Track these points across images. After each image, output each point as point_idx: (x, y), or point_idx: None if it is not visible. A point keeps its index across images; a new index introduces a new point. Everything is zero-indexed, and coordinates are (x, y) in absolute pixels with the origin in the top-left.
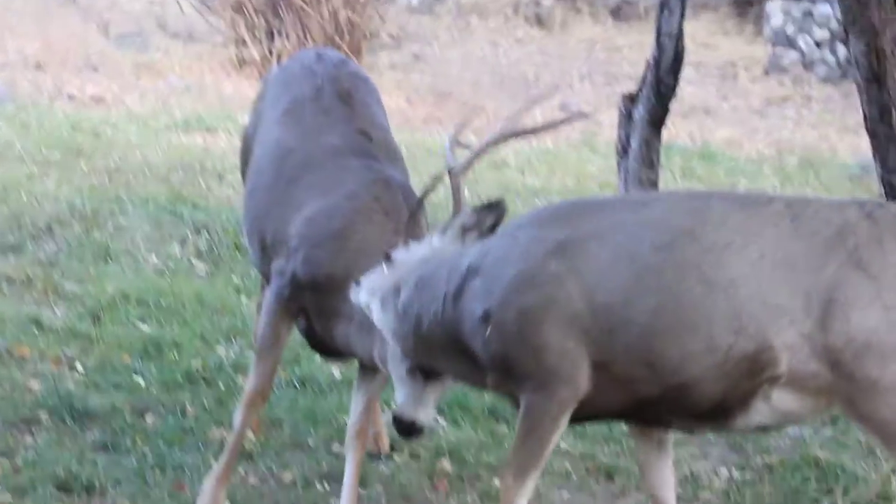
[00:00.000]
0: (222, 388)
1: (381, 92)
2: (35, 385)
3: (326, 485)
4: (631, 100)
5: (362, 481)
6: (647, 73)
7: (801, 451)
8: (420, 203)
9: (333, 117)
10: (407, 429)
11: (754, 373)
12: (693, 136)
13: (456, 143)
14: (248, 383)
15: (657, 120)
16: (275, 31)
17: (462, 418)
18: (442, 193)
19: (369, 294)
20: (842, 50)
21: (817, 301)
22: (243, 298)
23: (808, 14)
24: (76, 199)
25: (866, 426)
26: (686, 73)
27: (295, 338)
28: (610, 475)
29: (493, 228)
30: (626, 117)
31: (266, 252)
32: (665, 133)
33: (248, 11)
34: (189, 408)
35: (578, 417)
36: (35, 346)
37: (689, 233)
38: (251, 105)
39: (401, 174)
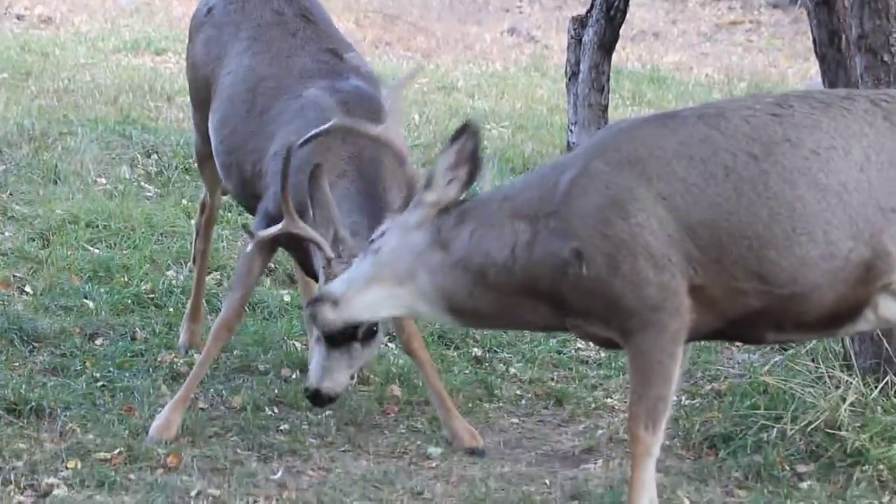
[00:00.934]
0: (172, 311)
1: (330, 14)
2: None
3: (276, 409)
4: (581, 23)
5: (310, 406)
6: None
7: (750, 378)
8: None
9: (301, 38)
10: (314, 398)
11: (869, 280)
12: (643, 60)
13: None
14: (221, 314)
15: (607, 44)
16: None
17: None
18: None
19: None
20: None
21: None
22: (193, 222)
23: None
24: (25, 120)
25: None
26: None
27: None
28: (559, 401)
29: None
30: (576, 41)
31: (246, 184)
32: (614, 57)
33: None
34: (139, 331)
35: None
36: None
37: (785, 140)
38: (192, 28)
39: (370, 87)
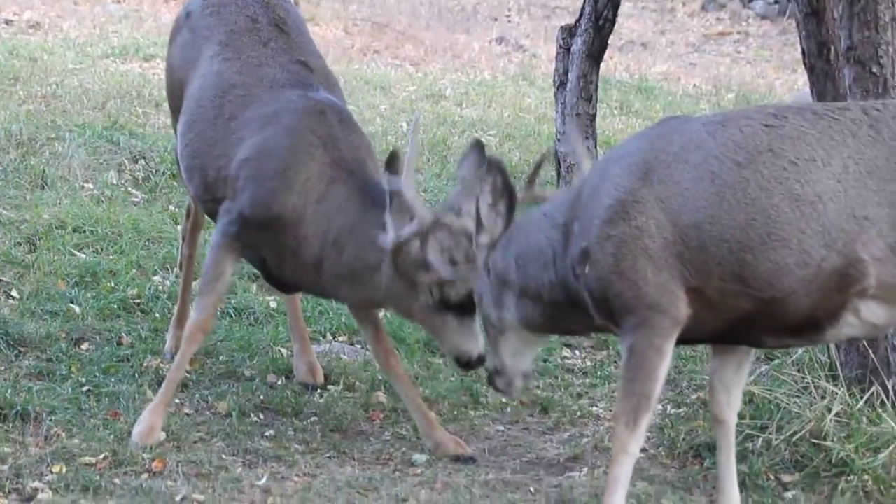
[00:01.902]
0: (158, 317)
1: (318, 22)
2: None
3: (261, 415)
4: (569, 33)
5: (296, 412)
6: (585, 5)
7: None
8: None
9: (272, 48)
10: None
11: (844, 286)
12: (631, 70)
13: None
14: (191, 317)
15: (595, 53)
16: None
17: (397, 350)
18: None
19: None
20: None
21: None
22: (179, 227)
23: None
24: (13, 125)
25: None
26: (624, 6)
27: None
28: (545, 409)
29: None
30: (565, 50)
31: (209, 188)
32: (602, 67)
33: None
34: (125, 336)
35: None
36: None
37: (769, 149)
38: (172, 32)
39: (338, 99)
